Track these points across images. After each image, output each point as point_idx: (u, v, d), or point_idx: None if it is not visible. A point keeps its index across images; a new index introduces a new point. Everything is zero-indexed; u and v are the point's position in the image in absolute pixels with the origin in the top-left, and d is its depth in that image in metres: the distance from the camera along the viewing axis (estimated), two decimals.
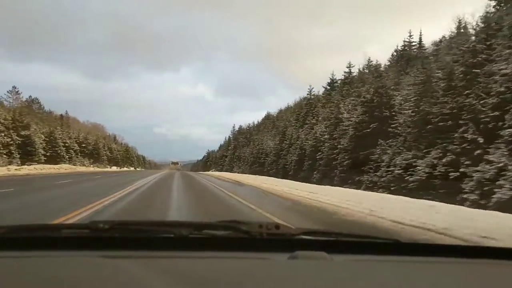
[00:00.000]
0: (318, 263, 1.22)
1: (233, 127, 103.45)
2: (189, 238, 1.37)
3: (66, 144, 60.80)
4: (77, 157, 66.57)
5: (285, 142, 43.98)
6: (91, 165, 67.49)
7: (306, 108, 46.94)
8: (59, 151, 56.27)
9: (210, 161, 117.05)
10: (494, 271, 1.27)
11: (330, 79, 46.75)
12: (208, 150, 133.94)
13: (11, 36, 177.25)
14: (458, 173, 16.17)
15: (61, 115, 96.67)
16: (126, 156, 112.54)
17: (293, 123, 48.00)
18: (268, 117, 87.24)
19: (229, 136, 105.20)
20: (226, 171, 75.58)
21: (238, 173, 59.95)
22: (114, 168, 75.49)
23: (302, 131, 40.34)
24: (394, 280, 1.11)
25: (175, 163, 73.27)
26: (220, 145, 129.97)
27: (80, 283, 0.94)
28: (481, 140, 15.80)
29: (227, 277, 1.02)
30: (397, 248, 1.50)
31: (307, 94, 51.24)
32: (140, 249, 1.30)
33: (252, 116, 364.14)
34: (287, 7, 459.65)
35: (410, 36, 38.45)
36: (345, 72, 43.65)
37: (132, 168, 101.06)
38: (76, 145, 71.65)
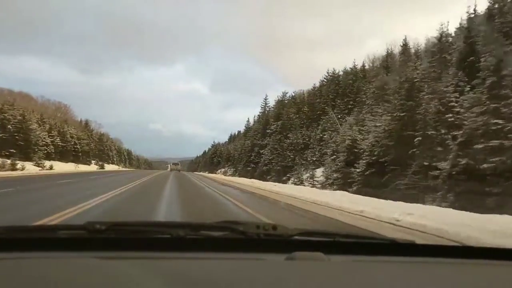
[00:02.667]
0: (315, 264, 1.21)
1: (265, 98, 65.93)
2: (186, 239, 1.35)
3: None
4: None
5: None
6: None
7: None
8: None
9: (219, 157, 79.65)
10: (492, 272, 1.26)
11: None
12: (214, 142, 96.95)
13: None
14: None
15: None
16: (100, 148, 74.72)
17: None
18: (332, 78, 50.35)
19: (258, 115, 66.86)
20: (261, 178, 38.91)
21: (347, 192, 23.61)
22: (31, 169, 34.01)
23: None
24: (391, 280, 1.10)
25: (176, 164, 63.65)
26: (231, 135, 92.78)
27: (76, 285, 0.93)
28: None
29: (224, 278, 1.02)
30: (394, 248, 1.49)
31: None
32: (136, 250, 1.29)
33: (247, 113, 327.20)
34: (284, 1, 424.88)
35: None
36: None
37: (94, 166, 62.26)
38: None
